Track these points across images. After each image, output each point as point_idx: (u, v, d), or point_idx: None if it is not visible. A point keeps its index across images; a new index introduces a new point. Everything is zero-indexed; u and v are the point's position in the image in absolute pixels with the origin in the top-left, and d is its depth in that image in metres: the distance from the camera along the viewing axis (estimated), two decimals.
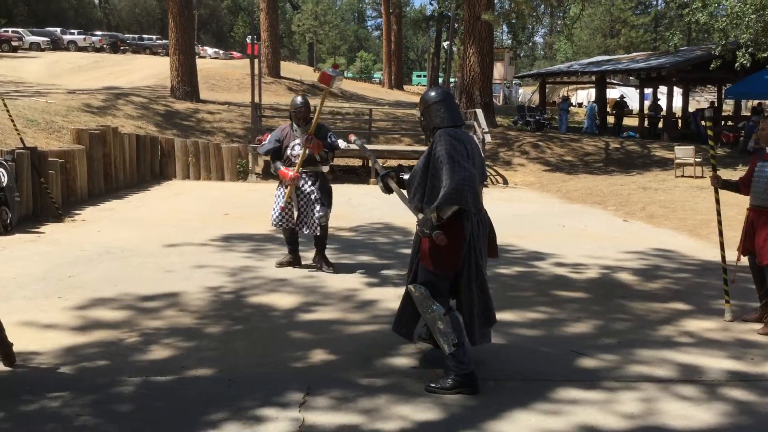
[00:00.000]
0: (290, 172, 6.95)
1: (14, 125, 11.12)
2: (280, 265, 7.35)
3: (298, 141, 7.02)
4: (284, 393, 4.04)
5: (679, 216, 11.49)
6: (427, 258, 4.21)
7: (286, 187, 7.04)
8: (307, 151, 6.85)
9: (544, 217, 11.81)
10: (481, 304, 4.33)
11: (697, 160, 16.52)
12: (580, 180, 17.08)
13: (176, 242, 8.55)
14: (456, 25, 28.93)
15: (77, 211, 10.86)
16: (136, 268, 7.20)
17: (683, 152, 16.89)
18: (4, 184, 8.96)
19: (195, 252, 8.03)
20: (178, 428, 3.59)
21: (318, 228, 7.04)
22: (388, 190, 4.83)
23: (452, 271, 4.25)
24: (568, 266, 7.79)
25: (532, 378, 4.41)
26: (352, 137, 5.83)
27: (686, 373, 4.58)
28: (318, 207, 7.01)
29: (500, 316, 5.71)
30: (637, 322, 5.74)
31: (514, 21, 24.83)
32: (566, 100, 29.50)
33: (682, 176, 16.53)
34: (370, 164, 5.26)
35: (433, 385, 4.17)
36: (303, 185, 7.03)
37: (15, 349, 4.38)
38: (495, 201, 14.19)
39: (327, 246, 7.38)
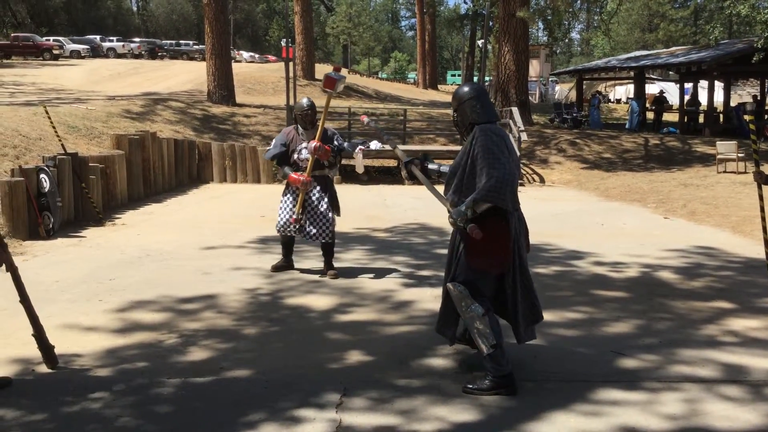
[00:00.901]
0: (302, 177, 6.72)
1: (56, 132, 11.35)
2: (276, 269, 7.21)
3: (305, 145, 6.83)
4: (321, 394, 4.04)
5: (721, 213, 11.24)
6: (474, 256, 4.13)
7: (295, 192, 6.87)
8: (314, 158, 6.67)
9: (582, 216, 11.67)
10: (526, 302, 4.31)
11: (740, 155, 16.16)
12: (619, 177, 16.84)
13: (214, 245, 8.64)
14: (491, 23, 28.74)
15: (117, 215, 11.05)
16: (175, 270, 7.29)
17: (725, 147, 16.54)
18: (47, 190, 9.16)
19: (232, 254, 8.10)
20: (216, 429, 3.62)
21: (330, 235, 6.87)
22: (412, 177, 4.80)
23: (501, 270, 4.20)
24: (607, 265, 7.68)
25: (572, 379, 4.35)
26: (365, 118, 5.62)
27: (730, 373, 4.47)
28: (329, 214, 6.85)
29: None
30: (679, 321, 5.62)
31: (549, 17, 24.56)
32: (595, 96, 29.02)
33: (725, 172, 16.19)
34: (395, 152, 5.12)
35: (470, 386, 4.13)
36: (311, 192, 6.85)
37: (57, 351, 4.46)
38: (532, 200, 14.06)
39: (363, 247, 7.36)
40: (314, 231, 6.85)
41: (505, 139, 4.21)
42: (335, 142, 6.88)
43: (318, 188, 6.87)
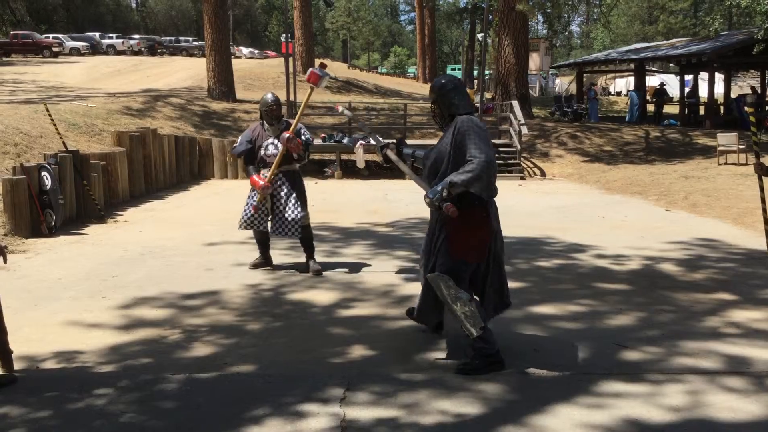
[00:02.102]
0: (261, 181, 6.65)
1: (57, 129, 11.36)
2: (254, 266, 7.16)
3: (271, 141, 6.79)
4: (324, 389, 4.05)
5: (722, 204, 11.24)
6: (457, 244, 4.29)
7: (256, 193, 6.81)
8: (285, 151, 6.57)
9: (583, 209, 11.67)
10: (496, 284, 4.50)
11: (741, 146, 16.14)
12: (620, 170, 16.84)
13: (216, 241, 8.65)
14: (490, 17, 28.70)
15: (119, 212, 11.06)
16: (178, 267, 7.30)
17: (726, 139, 16.52)
18: (48, 187, 9.17)
19: (234, 250, 8.11)
20: (221, 424, 3.63)
21: (299, 230, 6.80)
22: (387, 161, 4.94)
23: (480, 259, 4.37)
24: (609, 258, 7.68)
25: (575, 371, 4.35)
26: (339, 107, 5.71)
27: (733, 364, 4.48)
28: (296, 210, 6.75)
29: (541, 309, 5.69)
30: (682, 313, 5.63)
31: (549, 10, 24.51)
32: (592, 88, 28.96)
33: (725, 164, 16.18)
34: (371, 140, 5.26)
35: (461, 363, 4.32)
36: (280, 188, 6.78)
37: (61, 348, 4.48)
38: (533, 193, 14.07)
39: (364, 242, 7.37)
40: (284, 228, 6.77)
41: (484, 129, 4.34)
42: (303, 136, 6.76)
43: (287, 184, 6.80)
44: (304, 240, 7.00)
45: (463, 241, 4.28)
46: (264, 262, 7.24)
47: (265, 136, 6.88)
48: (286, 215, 6.75)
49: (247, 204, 6.94)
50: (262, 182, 6.66)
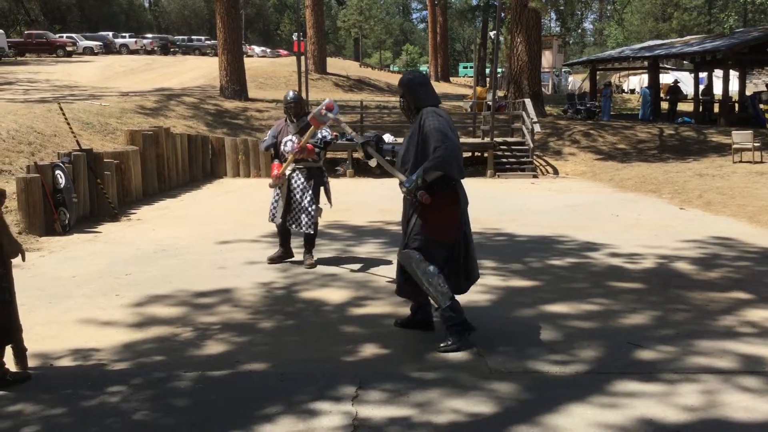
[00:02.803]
0: (276, 170, 7.05)
1: (70, 128, 11.43)
2: (272, 261, 7.34)
3: (290, 137, 7.06)
4: (337, 387, 4.05)
5: (737, 203, 11.15)
6: (430, 226, 4.64)
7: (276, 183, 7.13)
8: (295, 154, 6.82)
9: (596, 207, 11.61)
10: (465, 260, 4.79)
11: (756, 144, 16.02)
12: (634, 168, 16.74)
13: (228, 239, 8.67)
14: (503, 14, 28.60)
15: (132, 211, 11.11)
16: (190, 265, 7.32)
17: (741, 137, 16.39)
18: (62, 186, 9.22)
19: (247, 248, 8.13)
20: (234, 422, 3.64)
21: (311, 226, 7.05)
22: (368, 157, 5.14)
23: (453, 238, 4.70)
24: (622, 257, 7.63)
25: (588, 371, 4.33)
26: (325, 111, 5.76)
27: (749, 364, 4.44)
28: (310, 207, 7.01)
29: (554, 308, 5.66)
30: (696, 312, 5.58)
31: (562, 8, 24.43)
32: (608, 86, 28.80)
33: (740, 162, 16.05)
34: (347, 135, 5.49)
35: (442, 345, 4.66)
36: (295, 182, 7.06)
37: (75, 345, 4.49)
38: (545, 191, 14.02)
39: (376, 240, 7.37)
40: (300, 222, 7.08)
41: (447, 120, 4.69)
42: (320, 134, 6.92)
43: (302, 180, 7.07)
44: (306, 235, 7.23)
45: (436, 223, 4.63)
46: (284, 255, 7.45)
47: (286, 131, 7.17)
48: (302, 210, 7.05)
49: (273, 199, 7.27)
50: (276, 171, 7.05)
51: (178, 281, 6.59)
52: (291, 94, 7.18)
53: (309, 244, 7.28)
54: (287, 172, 7.05)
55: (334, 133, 7.33)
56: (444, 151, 4.47)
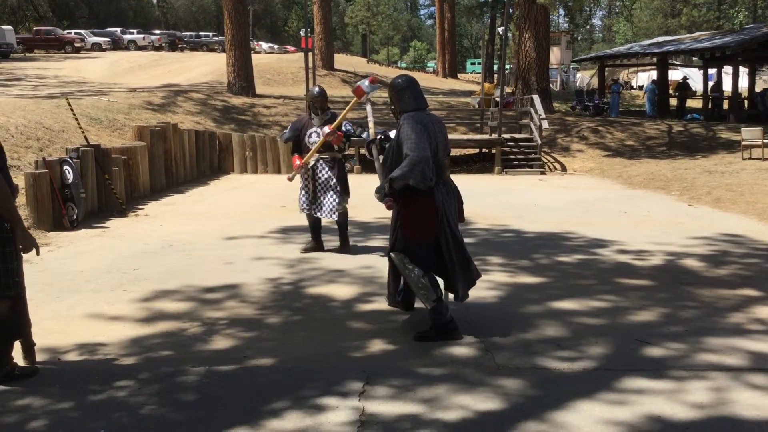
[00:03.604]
0: (298, 161, 7.36)
1: (78, 124, 11.46)
2: (305, 251, 7.65)
3: (314, 129, 7.38)
4: (344, 382, 4.04)
5: (747, 200, 11.09)
6: (407, 228, 4.79)
7: (300, 173, 7.46)
8: (324, 141, 7.10)
9: (605, 204, 11.56)
10: (459, 262, 4.84)
11: (765, 141, 15.92)
12: (642, 165, 16.67)
13: (236, 235, 8.68)
14: (511, 11, 28.51)
15: (140, 206, 11.14)
16: (198, 260, 7.33)
17: (750, 134, 16.29)
18: (70, 181, 9.24)
19: (254, 244, 8.13)
20: (241, 417, 3.63)
21: (336, 214, 7.42)
22: (370, 155, 5.29)
23: (431, 238, 4.78)
24: (631, 253, 7.60)
25: (596, 367, 4.31)
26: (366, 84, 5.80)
27: (758, 361, 4.41)
28: (333, 194, 7.37)
29: (562, 304, 5.64)
30: (705, 309, 5.55)
31: (570, 4, 24.33)
32: (617, 82, 28.69)
33: (750, 158, 15.96)
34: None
35: (420, 333, 4.81)
36: (320, 171, 7.40)
37: (83, 340, 4.50)
38: (553, 188, 13.98)
39: (383, 236, 7.39)
40: (323, 209, 7.43)
41: (427, 125, 4.73)
42: (344, 128, 7.25)
43: (326, 169, 7.39)
44: (339, 224, 7.63)
45: (412, 226, 4.77)
46: (316, 246, 7.71)
47: (310, 125, 7.47)
48: (326, 198, 7.39)
49: (301, 191, 7.55)
50: (298, 162, 7.39)
51: (185, 276, 6.60)
52: (317, 89, 7.57)
53: (342, 229, 7.68)
54: (311, 162, 7.35)
55: (356, 128, 7.57)
56: (410, 163, 4.56)
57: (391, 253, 4.93)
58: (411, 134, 4.63)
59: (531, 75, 22.49)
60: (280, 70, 31.11)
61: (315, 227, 7.69)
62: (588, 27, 75.42)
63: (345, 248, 7.70)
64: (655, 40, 33.60)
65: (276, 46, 57.09)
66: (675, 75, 34.07)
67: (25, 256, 4.17)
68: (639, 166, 16.46)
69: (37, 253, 4.25)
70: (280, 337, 4.93)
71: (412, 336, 4.80)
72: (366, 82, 5.86)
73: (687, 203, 11.52)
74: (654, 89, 26.40)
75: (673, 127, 20.76)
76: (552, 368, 4.28)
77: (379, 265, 7.06)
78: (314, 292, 6.13)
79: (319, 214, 7.44)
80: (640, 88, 43.10)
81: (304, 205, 7.51)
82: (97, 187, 10.34)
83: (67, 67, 29.21)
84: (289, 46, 60.12)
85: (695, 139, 19.31)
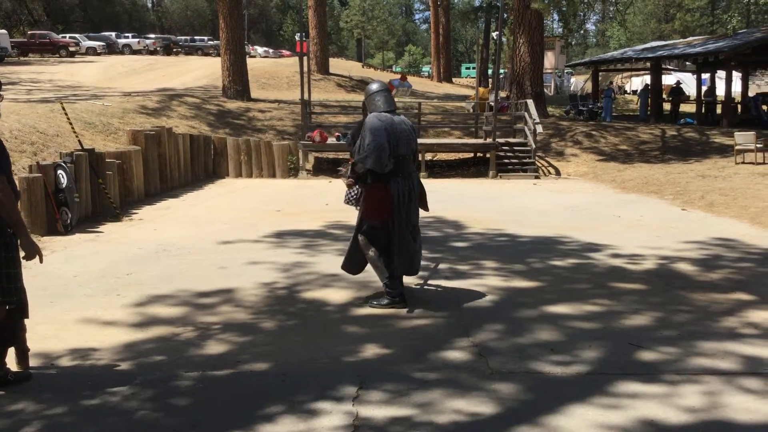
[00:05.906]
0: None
1: (72, 128, 11.44)
2: None
3: None
4: (338, 387, 4.05)
5: (740, 204, 11.13)
6: (365, 212, 5.64)
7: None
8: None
9: (598, 208, 11.59)
10: (405, 254, 5.60)
11: (759, 145, 15.98)
12: (636, 169, 16.72)
13: (230, 239, 8.67)
14: (505, 15, 28.59)
15: (134, 211, 11.12)
16: (192, 265, 7.32)
17: (743, 138, 16.36)
18: (64, 186, 9.23)
19: (248, 249, 8.13)
20: (235, 422, 3.63)
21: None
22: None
23: (384, 222, 5.54)
24: (624, 257, 7.62)
25: (590, 371, 4.32)
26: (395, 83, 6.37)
27: (751, 365, 4.43)
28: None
29: (556, 308, 5.65)
30: (698, 313, 5.57)
31: (564, 9, 24.40)
32: (609, 87, 28.78)
33: (743, 163, 16.02)
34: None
35: (374, 302, 5.71)
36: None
37: (76, 345, 4.49)
38: (547, 192, 14.01)
39: None
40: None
41: (386, 123, 5.45)
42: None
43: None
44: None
45: (369, 209, 5.61)
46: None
47: None
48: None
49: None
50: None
51: (179, 281, 6.59)
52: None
53: None
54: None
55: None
56: (367, 150, 5.39)
57: (359, 235, 5.71)
58: (371, 128, 5.41)
59: (525, 79, 22.53)
60: (275, 75, 31.09)
61: None
62: (582, 32, 75.74)
63: None
64: (648, 45, 33.72)
65: (271, 51, 57.09)
66: (668, 80, 34.18)
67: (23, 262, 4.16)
68: (633, 171, 16.51)
69: (41, 261, 4.23)
70: (275, 341, 4.93)
71: (364, 299, 5.72)
72: (398, 80, 6.34)
73: (680, 207, 11.56)
74: (643, 94, 26.54)
75: (666, 132, 20.82)
76: (546, 372, 4.29)
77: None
78: (309, 296, 6.13)
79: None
80: (634, 92, 43.26)
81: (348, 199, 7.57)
82: (91, 192, 10.31)
83: (62, 71, 29.16)
84: (284, 51, 60.13)
85: (689, 144, 19.38)
